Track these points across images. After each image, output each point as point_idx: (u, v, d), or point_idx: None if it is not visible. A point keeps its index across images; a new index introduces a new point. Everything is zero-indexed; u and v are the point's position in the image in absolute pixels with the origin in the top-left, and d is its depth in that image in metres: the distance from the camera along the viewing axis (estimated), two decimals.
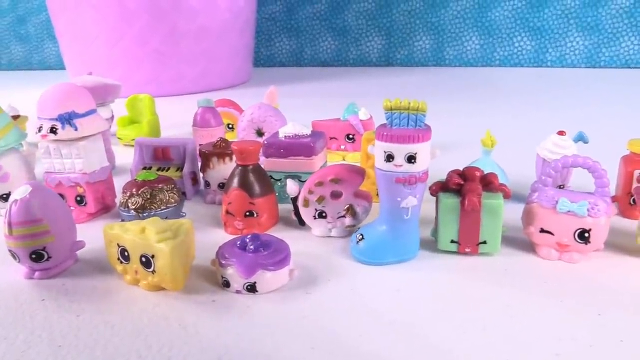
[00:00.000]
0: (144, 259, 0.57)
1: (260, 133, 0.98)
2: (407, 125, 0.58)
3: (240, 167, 0.70)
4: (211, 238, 0.69)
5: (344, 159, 1.00)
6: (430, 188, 0.63)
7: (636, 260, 0.61)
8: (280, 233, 0.70)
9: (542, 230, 0.61)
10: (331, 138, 1.01)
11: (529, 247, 0.63)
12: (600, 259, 0.61)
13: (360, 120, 0.98)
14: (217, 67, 1.93)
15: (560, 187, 0.74)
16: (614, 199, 0.75)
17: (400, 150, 0.56)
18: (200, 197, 0.85)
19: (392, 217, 0.60)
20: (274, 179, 0.79)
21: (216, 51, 1.90)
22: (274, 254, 0.57)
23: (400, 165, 0.57)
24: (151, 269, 0.56)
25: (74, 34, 1.84)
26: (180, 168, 0.85)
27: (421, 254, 0.63)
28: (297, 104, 1.63)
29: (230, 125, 1.17)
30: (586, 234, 0.59)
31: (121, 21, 1.73)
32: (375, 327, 0.50)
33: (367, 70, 2.43)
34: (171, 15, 1.75)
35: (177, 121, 1.38)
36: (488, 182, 0.61)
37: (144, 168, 0.86)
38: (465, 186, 0.60)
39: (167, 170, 0.85)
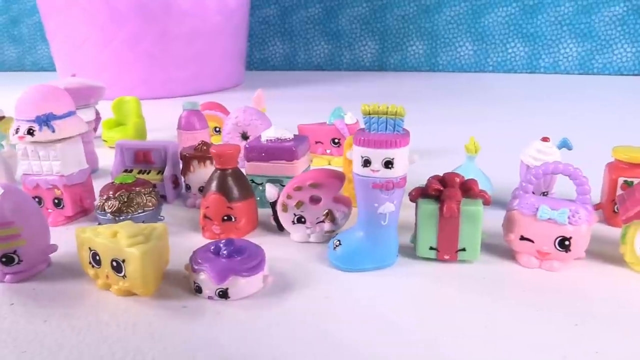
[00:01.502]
0: (114, 264, 0.56)
1: (245, 136, 0.97)
2: (386, 130, 0.57)
3: (218, 171, 0.69)
4: (189, 242, 0.68)
5: (329, 164, 0.99)
6: (409, 194, 0.62)
7: (618, 269, 0.60)
8: (259, 238, 0.70)
9: (522, 238, 0.60)
10: (317, 142, 1.00)
11: (510, 254, 0.63)
12: (581, 267, 0.60)
13: (347, 124, 0.97)
14: (208, 70, 1.92)
15: (544, 194, 0.74)
16: (598, 206, 0.74)
17: (377, 156, 0.55)
18: (182, 201, 0.84)
19: (370, 223, 0.59)
20: (255, 183, 0.78)
21: (207, 54, 1.89)
22: (248, 260, 0.56)
23: (377, 171, 0.56)
24: (122, 274, 0.55)
25: (64, 36, 1.83)
26: (161, 171, 0.83)
27: (400, 260, 0.62)
28: (289, 108, 1.62)
29: (218, 129, 1.16)
30: (567, 242, 0.58)
31: (111, 23, 1.72)
32: (348, 335, 0.49)
33: (360, 75, 2.42)
34: (161, 17, 1.74)
35: (165, 123, 1.37)
36: (468, 189, 0.60)
37: (125, 171, 0.85)
38: (444, 192, 0.59)
39: (148, 173, 0.84)
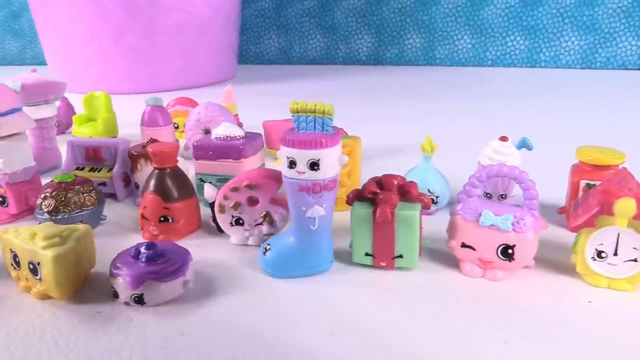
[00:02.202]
0: (31, 266, 0.54)
1: (207, 133, 0.94)
2: (314, 129, 0.54)
3: (156, 170, 0.67)
4: (130, 243, 0.65)
5: (275, 160, 0.96)
6: (347, 196, 0.59)
7: (569, 280, 0.56)
8: (198, 240, 0.67)
9: (463, 245, 0.56)
10: None
11: (455, 262, 0.59)
12: (529, 277, 0.56)
13: None
14: (196, 64, 1.90)
15: (502, 197, 0.70)
16: (562, 210, 0.70)
17: (302, 157, 0.52)
18: (134, 199, 0.81)
19: (299, 228, 0.56)
20: (204, 182, 0.75)
21: (194, 48, 1.87)
22: (168, 265, 0.53)
23: (303, 173, 0.53)
24: (38, 277, 0.53)
25: (51, 31, 1.82)
26: (112, 168, 0.81)
27: (335, 266, 0.59)
28: (283, 103, 1.59)
29: None
30: (510, 251, 0.54)
31: (96, 18, 1.70)
32: (255, 346, 0.46)
33: (356, 69, 2.38)
34: (146, 11, 1.72)
35: None
36: (405, 192, 0.57)
37: (77, 168, 0.83)
38: (379, 195, 0.56)
39: (99, 171, 0.82)
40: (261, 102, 1.58)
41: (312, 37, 2.49)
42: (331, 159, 0.53)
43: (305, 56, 2.52)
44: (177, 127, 1.11)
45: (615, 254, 0.54)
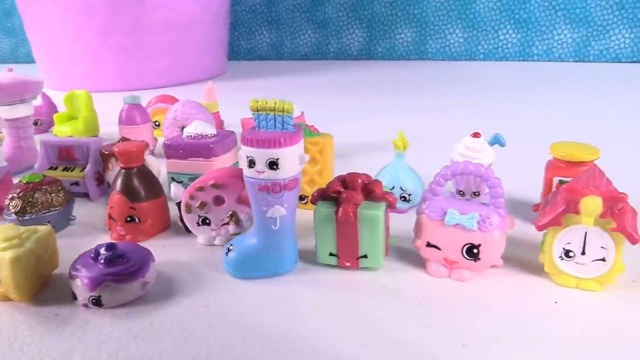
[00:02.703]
0: None
1: None
2: (275, 127, 0.53)
3: (123, 170, 0.66)
4: (96, 244, 0.65)
5: None
6: (312, 195, 0.58)
7: (537, 280, 0.55)
8: (165, 240, 0.66)
9: (429, 244, 0.55)
10: None
11: (422, 262, 0.58)
12: (495, 277, 0.55)
13: None
14: (185, 61, 1.88)
15: (475, 194, 0.68)
16: (536, 208, 0.69)
17: (261, 156, 0.51)
18: (106, 199, 0.80)
19: (261, 228, 0.55)
20: (176, 181, 0.74)
21: (182, 44, 1.85)
22: (127, 266, 0.53)
23: (262, 172, 0.52)
24: None
25: (39, 29, 1.81)
26: (85, 168, 0.80)
27: (300, 267, 0.58)
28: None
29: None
30: (475, 250, 0.53)
31: (82, 15, 1.68)
32: (209, 349, 0.45)
33: (347, 64, 2.36)
34: (133, 8, 1.70)
35: None
36: (370, 191, 0.56)
37: (50, 168, 0.83)
38: (342, 195, 0.55)
39: (72, 170, 0.81)
40: (250, 99, 1.57)
41: (303, 33, 2.48)
42: (291, 158, 0.52)
43: (296, 52, 2.51)
44: (158, 125, 1.10)
45: (583, 253, 0.53)
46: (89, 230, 0.71)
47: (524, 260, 0.58)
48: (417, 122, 1.25)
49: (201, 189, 0.62)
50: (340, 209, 0.53)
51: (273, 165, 0.51)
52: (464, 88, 1.74)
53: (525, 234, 0.64)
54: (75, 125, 1.11)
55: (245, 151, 0.52)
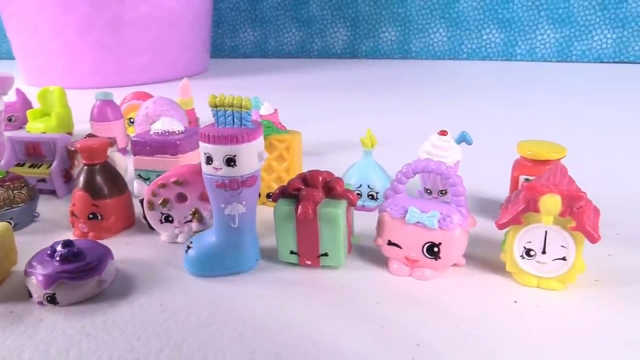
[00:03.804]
0: None
1: None
2: (233, 124, 0.52)
3: (86, 167, 0.65)
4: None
5: None
6: (273, 193, 0.57)
7: (495, 280, 0.54)
8: (128, 237, 0.66)
9: (390, 243, 0.55)
10: None
11: (384, 260, 0.57)
12: (456, 276, 0.55)
13: (261, 115, 0.92)
14: (166, 58, 1.87)
15: (442, 192, 0.68)
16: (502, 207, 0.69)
17: (218, 152, 0.51)
18: None
19: (220, 226, 0.54)
20: (143, 178, 0.73)
21: (163, 41, 1.84)
22: (83, 264, 0.52)
23: (220, 169, 0.51)
24: None
25: (17, 25, 1.78)
26: (52, 165, 0.79)
27: (262, 265, 0.57)
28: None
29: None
30: (436, 249, 0.53)
31: (61, 11, 1.66)
32: (160, 348, 0.44)
33: (331, 62, 2.35)
34: (113, 4, 1.69)
35: None
36: (330, 188, 0.55)
37: (18, 164, 0.81)
38: (302, 192, 0.54)
39: (39, 167, 0.80)
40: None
41: (287, 31, 2.47)
42: (249, 155, 0.51)
43: (280, 50, 2.50)
44: (133, 122, 1.09)
45: (544, 252, 0.52)
46: (53, 227, 0.70)
47: (487, 259, 0.58)
48: (399, 120, 1.25)
49: (163, 185, 0.61)
50: (300, 206, 0.53)
51: (230, 161, 0.50)
52: (447, 87, 1.74)
53: (491, 232, 0.64)
54: (49, 122, 1.10)
55: (202, 147, 0.51)
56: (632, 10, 2.01)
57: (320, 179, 0.55)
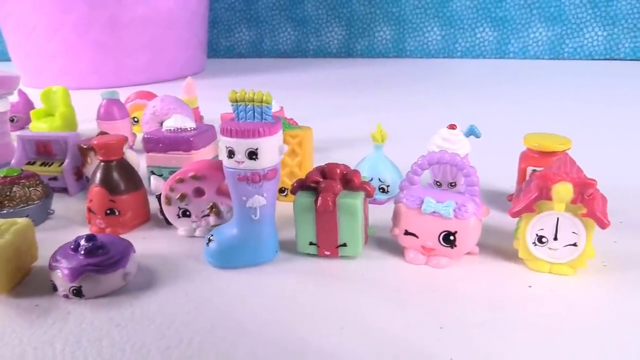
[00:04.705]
0: None
1: None
2: (253, 118, 0.53)
3: (102, 163, 0.66)
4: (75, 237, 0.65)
5: None
6: (292, 185, 0.59)
7: (509, 266, 0.56)
8: (145, 232, 0.67)
9: (406, 232, 0.57)
10: None
11: (400, 250, 0.59)
12: (471, 264, 0.57)
13: None
14: (164, 58, 1.87)
15: (452, 185, 0.70)
16: (511, 197, 0.71)
17: (240, 146, 0.52)
18: (86, 194, 0.80)
19: (241, 218, 0.55)
20: (156, 174, 0.74)
21: (161, 42, 1.84)
22: (107, 257, 0.53)
23: (242, 162, 0.52)
24: None
25: (14, 25, 1.78)
26: (63, 163, 0.80)
27: (280, 256, 0.59)
28: None
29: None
30: (452, 237, 0.55)
31: (58, 10, 1.66)
32: (192, 337, 0.45)
33: (327, 62, 2.37)
34: (110, 4, 1.69)
35: None
36: (348, 180, 0.57)
37: (28, 163, 0.82)
38: (320, 184, 0.56)
39: (50, 165, 0.81)
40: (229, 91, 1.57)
41: (282, 30, 2.48)
42: (270, 148, 0.53)
43: (276, 49, 2.51)
44: (137, 121, 1.10)
45: (556, 238, 0.54)
46: (67, 224, 0.70)
47: (498, 247, 0.60)
48: (395, 118, 1.27)
49: (181, 180, 0.62)
50: (320, 198, 0.54)
51: (252, 155, 0.52)
52: (442, 85, 1.76)
53: (500, 222, 0.66)
54: (53, 122, 1.10)
55: (224, 141, 0.53)
56: (622, 8, 2.04)
57: (338, 171, 0.57)
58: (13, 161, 0.82)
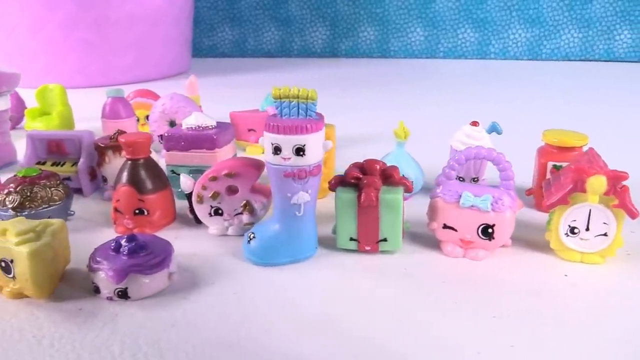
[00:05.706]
0: (3, 264, 0.51)
1: (173, 124, 0.92)
2: (298, 115, 0.53)
3: (129, 162, 0.65)
4: (102, 238, 0.63)
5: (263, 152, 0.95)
6: (329, 182, 0.59)
7: (544, 257, 0.58)
8: (175, 232, 0.66)
9: (445, 226, 0.58)
10: (250, 130, 0.96)
11: (436, 244, 0.60)
12: (506, 255, 0.59)
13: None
14: (151, 57, 1.84)
15: (474, 180, 0.72)
16: (529, 192, 0.73)
17: (288, 142, 0.52)
18: (100, 194, 0.78)
19: (284, 215, 0.55)
20: (176, 173, 0.73)
21: (148, 40, 1.81)
22: (151, 257, 0.52)
23: (289, 158, 0.52)
24: (11, 275, 0.51)
25: None
26: (76, 162, 0.78)
27: (320, 252, 0.59)
28: (239, 96, 1.58)
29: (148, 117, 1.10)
30: (490, 230, 0.56)
31: (42, 8, 1.61)
32: (251, 334, 0.45)
33: (311, 61, 2.38)
34: (97, 2, 1.65)
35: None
36: (388, 176, 0.57)
37: (38, 163, 0.79)
38: (362, 180, 0.56)
39: (62, 165, 0.78)
40: (218, 95, 1.56)
41: (266, 30, 2.47)
42: (316, 144, 0.53)
43: (259, 49, 2.50)
44: (137, 120, 1.08)
45: (587, 229, 0.56)
46: (88, 224, 0.69)
47: (526, 239, 0.62)
48: (378, 118, 1.28)
49: (214, 178, 0.61)
50: (363, 193, 0.55)
51: (300, 151, 0.52)
52: (425, 85, 1.79)
53: (522, 215, 0.68)
54: (50, 121, 1.07)
55: (270, 138, 0.53)
56: (597, 12, 2.12)
57: (378, 167, 0.57)
58: (22, 161, 0.79)
